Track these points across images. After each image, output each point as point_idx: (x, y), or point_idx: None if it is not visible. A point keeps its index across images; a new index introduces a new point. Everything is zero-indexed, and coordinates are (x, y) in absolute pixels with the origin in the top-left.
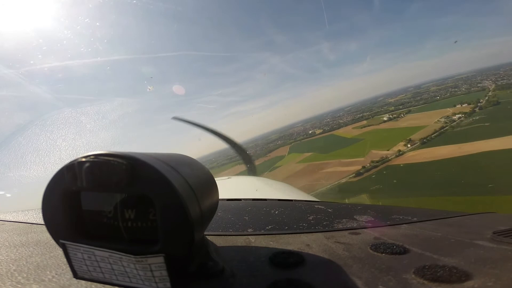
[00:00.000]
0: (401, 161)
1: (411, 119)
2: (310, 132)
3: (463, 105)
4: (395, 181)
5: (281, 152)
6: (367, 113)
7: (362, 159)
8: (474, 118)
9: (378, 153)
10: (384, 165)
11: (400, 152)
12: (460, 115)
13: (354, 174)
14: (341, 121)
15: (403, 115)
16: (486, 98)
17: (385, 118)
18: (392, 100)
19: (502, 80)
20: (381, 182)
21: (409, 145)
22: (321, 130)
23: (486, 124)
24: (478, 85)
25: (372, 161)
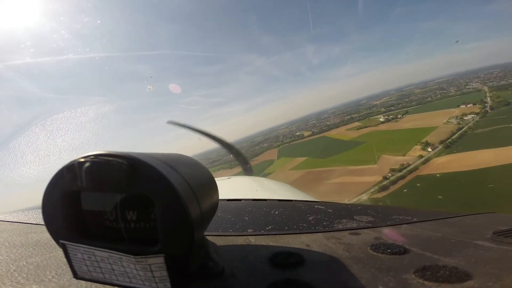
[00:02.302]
0: (432, 169)
1: (412, 120)
2: (297, 134)
3: (468, 106)
4: (440, 197)
5: (269, 156)
6: (356, 114)
7: (375, 166)
8: (491, 118)
9: (392, 159)
10: (412, 175)
11: (423, 158)
12: (473, 115)
13: (377, 188)
14: (328, 122)
15: (401, 115)
16: (488, 99)
17: (381, 119)
18: (378, 102)
19: (490, 82)
20: (419, 199)
21: (429, 149)
22: (310, 132)
23: (511, 125)
24: (467, 87)
25: (392, 170)
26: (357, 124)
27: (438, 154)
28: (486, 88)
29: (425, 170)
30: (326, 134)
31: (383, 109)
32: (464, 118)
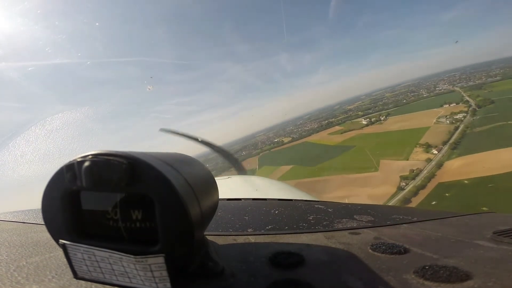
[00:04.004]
0: (453, 175)
1: (398, 121)
2: (276, 140)
3: (451, 105)
4: (485, 209)
5: (249, 164)
6: (333, 119)
7: (377, 173)
8: (483, 116)
9: (394, 164)
10: (432, 183)
11: (434, 162)
12: (463, 114)
13: (396, 201)
14: (306, 128)
15: (384, 118)
16: (468, 98)
17: (364, 122)
18: (351, 106)
19: (459, 83)
20: None
21: (434, 151)
22: (290, 138)
23: (509, 122)
24: (437, 88)
25: (404, 177)
26: (338, 128)
27: (448, 157)
28: (458, 89)
29: (445, 176)
30: (308, 139)
31: (360, 113)
32: (455, 117)
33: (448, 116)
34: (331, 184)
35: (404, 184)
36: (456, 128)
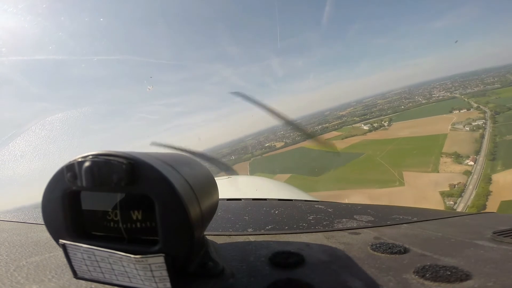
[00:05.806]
0: None
1: (405, 127)
2: (267, 145)
3: (461, 111)
4: None
5: (239, 170)
6: (327, 124)
7: (405, 188)
8: (506, 124)
9: (423, 177)
10: (492, 201)
11: (478, 175)
12: (483, 120)
13: None
14: (298, 132)
15: (388, 123)
16: (475, 104)
17: (365, 128)
18: (343, 112)
19: (456, 90)
20: None
21: (469, 162)
22: (282, 143)
23: None
24: (434, 95)
25: (446, 194)
26: (335, 133)
27: (492, 169)
28: (459, 95)
29: (506, 193)
30: (303, 144)
31: (356, 118)
32: (473, 123)
33: (464, 123)
34: (348, 201)
35: (451, 202)
36: (482, 136)
